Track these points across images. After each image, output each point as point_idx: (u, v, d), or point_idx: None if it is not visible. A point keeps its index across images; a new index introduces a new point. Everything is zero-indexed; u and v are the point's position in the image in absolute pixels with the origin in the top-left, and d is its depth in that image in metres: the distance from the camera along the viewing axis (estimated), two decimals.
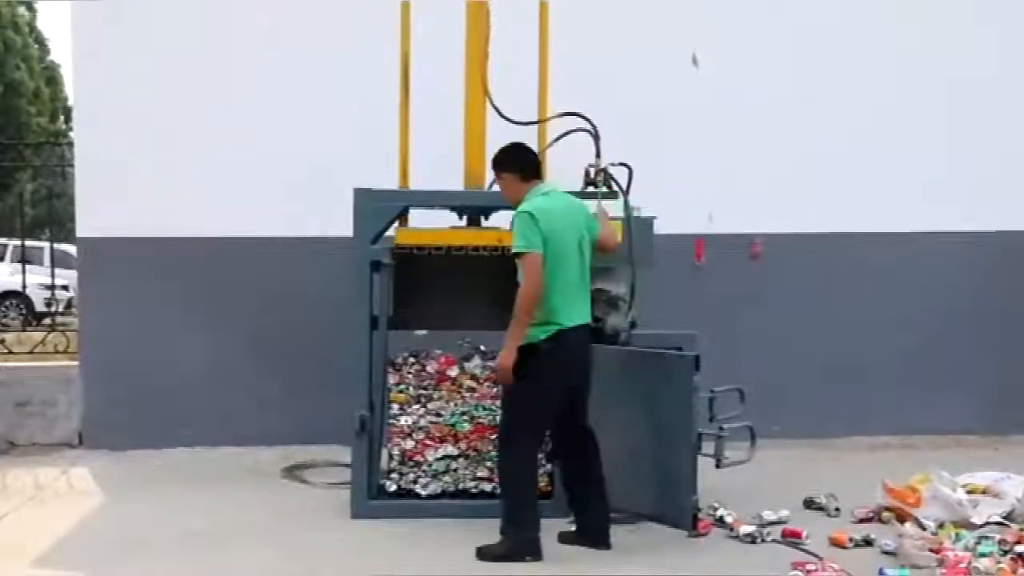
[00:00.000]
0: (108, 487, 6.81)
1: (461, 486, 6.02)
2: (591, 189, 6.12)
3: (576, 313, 5.32)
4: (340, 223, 6.07)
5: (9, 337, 9.46)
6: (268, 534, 5.66)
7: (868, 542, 5.46)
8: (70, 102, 24.95)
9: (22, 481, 6.93)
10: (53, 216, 12.69)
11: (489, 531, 5.55)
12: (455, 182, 6.28)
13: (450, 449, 6.00)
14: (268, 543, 5.49)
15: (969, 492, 5.88)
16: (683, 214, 7.32)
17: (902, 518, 5.81)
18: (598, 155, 6.12)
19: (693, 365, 5.45)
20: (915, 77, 8.14)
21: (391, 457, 6.02)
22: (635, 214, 6.03)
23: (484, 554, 5.23)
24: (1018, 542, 5.15)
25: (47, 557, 5.34)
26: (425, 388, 6.05)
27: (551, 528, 5.56)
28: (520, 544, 5.21)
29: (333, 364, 6.85)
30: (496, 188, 5.86)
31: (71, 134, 11.99)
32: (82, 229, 7.82)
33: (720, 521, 5.79)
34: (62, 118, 30.98)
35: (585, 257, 5.41)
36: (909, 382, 8.16)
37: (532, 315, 5.17)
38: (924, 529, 5.55)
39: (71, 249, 11.42)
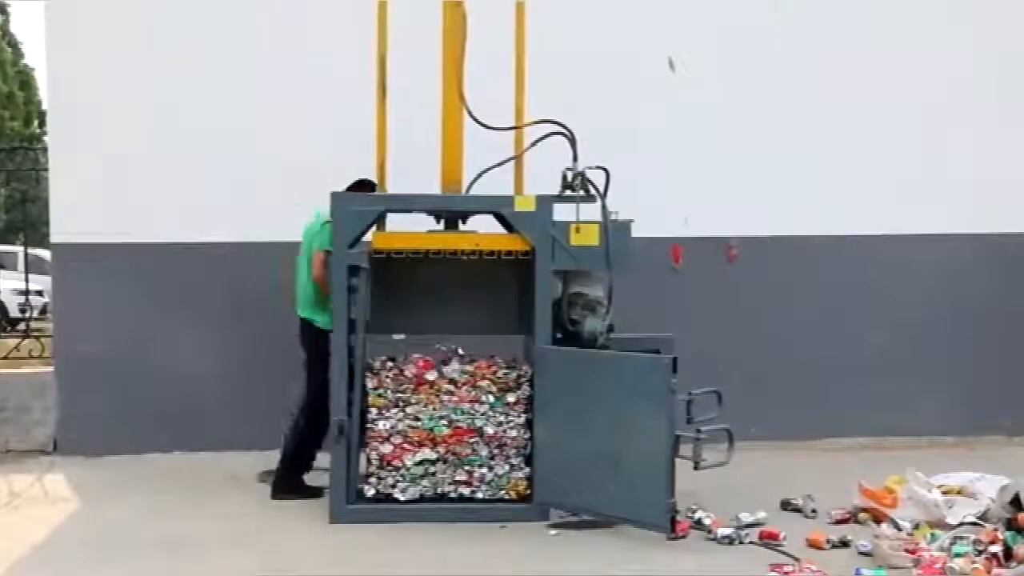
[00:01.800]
0: (83, 493, 6.76)
1: (440, 490, 6.00)
2: (568, 193, 6.15)
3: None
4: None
5: None
6: (245, 539, 5.63)
7: (845, 543, 5.49)
8: (44, 106, 24.78)
9: None
10: (27, 221, 12.58)
11: (469, 534, 5.57)
12: (433, 186, 6.28)
13: (428, 453, 5.97)
14: (245, 548, 5.47)
15: (944, 493, 5.92)
16: (660, 218, 7.31)
17: (878, 519, 5.85)
18: (575, 159, 6.15)
19: (671, 368, 5.48)
20: (890, 77, 8.19)
21: (369, 462, 6.00)
22: (612, 218, 6.05)
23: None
24: (992, 542, 5.18)
25: (21, 564, 5.29)
26: (403, 392, 6.03)
27: (532, 529, 5.59)
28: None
29: None
30: (474, 191, 5.88)
31: (45, 138, 11.91)
32: (56, 234, 7.76)
33: (698, 523, 5.80)
34: (36, 122, 30.77)
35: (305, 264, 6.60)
36: (885, 384, 8.21)
37: None
38: (900, 530, 5.59)
39: (45, 254, 11.33)
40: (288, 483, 6.53)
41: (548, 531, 5.79)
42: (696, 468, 5.61)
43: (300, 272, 6.61)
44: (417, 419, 5.99)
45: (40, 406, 7.83)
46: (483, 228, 6.38)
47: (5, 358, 8.76)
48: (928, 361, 8.30)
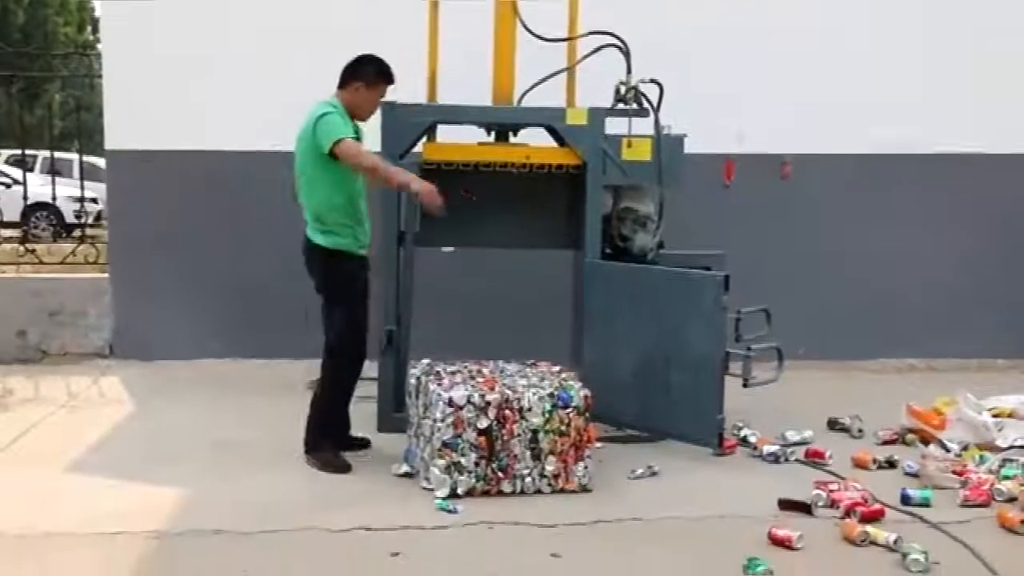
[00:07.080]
0: (139, 396, 6.92)
1: None
2: (621, 106, 6.07)
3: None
4: (368, 138, 6.03)
5: (40, 248, 9.54)
6: (294, 446, 5.65)
7: (891, 463, 5.48)
8: (97, 13, 24.80)
9: (54, 389, 7.04)
10: (82, 128, 12.66)
11: None
12: (484, 98, 6.22)
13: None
14: (293, 455, 5.54)
15: (995, 415, 5.88)
16: (712, 134, 7.18)
17: (926, 440, 5.83)
18: (629, 71, 6.06)
19: (722, 285, 5.44)
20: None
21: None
22: (665, 132, 5.97)
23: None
24: None
25: (80, 463, 5.45)
26: None
27: None
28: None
29: None
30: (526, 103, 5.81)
31: (98, 46, 11.91)
32: (110, 142, 7.80)
33: (744, 441, 5.82)
34: (89, 28, 30.85)
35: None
36: (936, 306, 8.13)
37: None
38: (948, 451, 5.57)
39: (100, 162, 11.42)
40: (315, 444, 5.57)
41: (594, 444, 5.82)
42: (745, 385, 5.61)
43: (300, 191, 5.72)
44: None
45: (95, 311, 7.97)
46: (534, 141, 6.33)
47: (61, 263, 8.90)
48: (981, 283, 8.20)
